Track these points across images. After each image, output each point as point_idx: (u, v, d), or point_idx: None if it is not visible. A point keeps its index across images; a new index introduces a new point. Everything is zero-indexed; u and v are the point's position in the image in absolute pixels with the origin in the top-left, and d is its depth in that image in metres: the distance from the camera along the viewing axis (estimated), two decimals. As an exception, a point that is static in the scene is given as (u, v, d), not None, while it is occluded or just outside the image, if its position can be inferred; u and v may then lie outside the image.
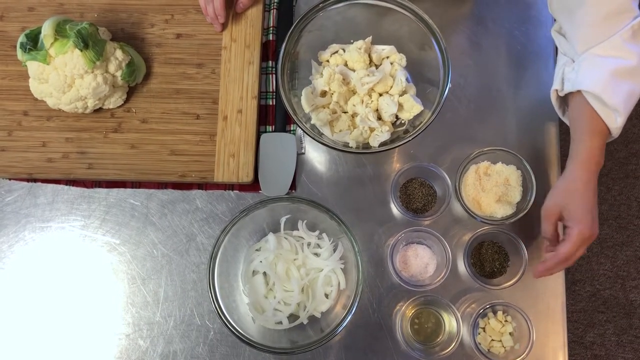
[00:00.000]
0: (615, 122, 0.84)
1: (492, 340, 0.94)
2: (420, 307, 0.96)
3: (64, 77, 0.95)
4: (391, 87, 0.99)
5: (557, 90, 0.92)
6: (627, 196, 1.92)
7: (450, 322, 0.94)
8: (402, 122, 1.00)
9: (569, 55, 0.91)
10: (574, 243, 0.84)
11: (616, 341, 1.82)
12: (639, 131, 1.97)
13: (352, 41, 1.02)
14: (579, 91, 0.86)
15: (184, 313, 0.98)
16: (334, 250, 0.95)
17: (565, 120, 0.95)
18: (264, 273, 0.96)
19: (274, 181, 1.01)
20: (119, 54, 0.98)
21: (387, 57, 1.02)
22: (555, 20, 0.94)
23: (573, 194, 0.85)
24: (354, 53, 0.99)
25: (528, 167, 0.96)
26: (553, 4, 0.91)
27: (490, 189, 0.97)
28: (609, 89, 0.83)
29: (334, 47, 1.02)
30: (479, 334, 0.95)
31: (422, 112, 0.97)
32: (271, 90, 1.06)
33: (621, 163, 1.94)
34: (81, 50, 0.93)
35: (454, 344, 0.90)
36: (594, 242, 1.85)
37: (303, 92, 0.99)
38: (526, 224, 0.99)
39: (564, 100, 0.94)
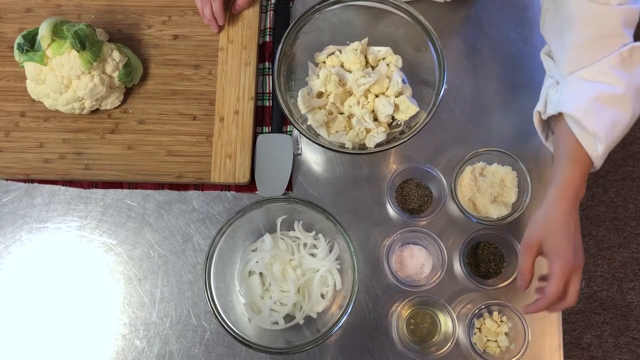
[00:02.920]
0: (596, 150, 0.81)
1: (488, 340, 0.95)
2: (416, 307, 0.96)
3: (61, 78, 0.95)
4: (387, 88, 1.00)
5: (540, 113, 0.90)
6: (623, 198, 1.93)
7: (446, 322, 0.94)
8: (398, 123, 1.00)
9: (555, 77, 0.89)
10: (559, 279, 0.80)
11: (613, 342, 1.83)
12: (635, 133, 1.97)
13: (348, 43, 1.02)
14: (562, 115, 0.84)
15: (181, 313, 0.98)
16: (330, 251, 0.96)
17: (548, 145, 0.94)
18: (260, 273, 0.96)
19: (270, 182, 1.01)
20: (116, 55, 0.98)
21: (383, 59, 1.02)
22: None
23: (553, 225, 0.82)
24: (350, 54, 1.00)
25: (523, 167, 0.96)
26: (545, 25, 0.90)
27: (486, 189, 0.98)
28: (590, 114, 0.80)
29: (330, 48, 1.03)
30: (475, 334, 0.95)
31: (418, 113, 0.98)
32: (268, 91, 1.06)
33: (618, 165, 1.95)
34: (78, 51, 0.93)
35: (449, 344, 0.90)
36: (591, 244, 1.87)
37: (299, 93, 0.99)
38: (522, 225, 0.99)
39: (548, 125, 0.92)
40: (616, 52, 0.81)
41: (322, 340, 0.88)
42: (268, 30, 1.08)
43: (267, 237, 0.97)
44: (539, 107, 0.89)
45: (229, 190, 1.03)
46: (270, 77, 1.07)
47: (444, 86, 0.92)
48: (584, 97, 0.81)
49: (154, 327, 0.98)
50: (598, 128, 0.79)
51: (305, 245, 0.98)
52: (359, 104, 0.99)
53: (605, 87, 0.80)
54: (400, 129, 1.00)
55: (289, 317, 0.95)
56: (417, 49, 0.99)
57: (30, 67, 0.96)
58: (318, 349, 0.96)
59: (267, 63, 1.07)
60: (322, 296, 0.96)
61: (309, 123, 0.99)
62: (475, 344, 0.94)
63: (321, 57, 1.03)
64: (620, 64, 0.81)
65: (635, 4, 0.80)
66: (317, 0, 0.96)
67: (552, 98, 0.86)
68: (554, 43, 0.88)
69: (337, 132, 0.99)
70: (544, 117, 0.89)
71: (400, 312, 0.95)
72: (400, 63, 1.01)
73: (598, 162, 0.82)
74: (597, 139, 0.80)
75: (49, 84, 0.96)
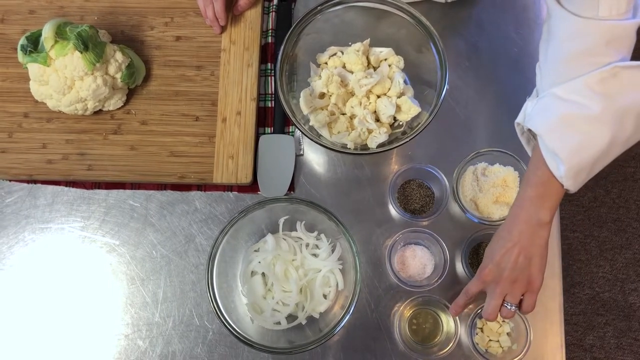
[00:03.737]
0: (558, 170, 0.76)
1: (490, 340, 0.95)
2: (418, 307, 0.96)
3: (64, 79, 0.96)
4: (389, 89, 1.00)
5: (521, 125, 0.86)
6: (625, 199, 1.92)
7: (448, 322, 0.94)
8: (400, 123, 1.01)
9: (539, 90, 0.84)
10: (474, 280, 0.85)
11: (615, 344, 1.83)
12: (637, 134, 1.97)
13: (350, 44, 1.02)
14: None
15: (183, 314, 0.98)
16: (332, 251, 0.96)
17: None
18: (263, 274, 0.97)
19: (272, 182, 1.01)
20: (118, 56, 0.98)
21: (385, 60, 1.02)
22: None
23: (492, 237, 0.84)
24: (352, 55, 1.00)
25: (525, 168, 0.96)
26: (542, 35, 0.85)
27: (488, 190, 0.98)
28: (555, 133, 0.76)
29: (332, 49, 1.03)
30: (477, 334, 0.95)
31: (419, 113, 0.98)
32: (270, 92, 1.07)
33: (620, 166, 1.95)
34: (81, 53, 0.93)
35: (451, 344, 0.91)
36: (593, 245, 1.87)
37: (301, 94, 0.99)
38: (523, 225, 0.99)
39: (535, 138, 0.87)
40: (596, 71, 0.74)
41: (324, 340, 0.88)
42: (270, 31, 1.08)
43: (270, 238, 0.97)
44: (518, 118, 0.85)
45: (231, 191, 1.03)
46: (273, 78, 1.07)
47: (446, 87, 0.92)
48: (551, 114, 0.77)
49: (156, 328, 0.98)
50: (560, 148, 0.75)
51: (307, 245, 0.98)
52: (360, 104, 0.99)
53: (576, 108, 0.75)
54: (402, 129, 1.00)
55: (291, 317, 0.95)
56: (418, 50, 0.99)
57: (33, 68, 0.96)
58: (320, 349, 0.96)
59: (269, 64, 1.08)
60: (325, 296, 0.96)
61: (311, 124, 0.99)
62: (478, 344, 0.94)
63: (323, 58, 1.03)
64: (599, 83, 0.74)
65: (627, 19, 0.74)
66: (318, 1, 0.96)
67: (528, 111, 0.83)
68: (541, 55, 0.83)
69: (339, 132, 0.99)
70: (525, 129, 0.85)
71: (403, 312, 0.95)
72: (402, 64, 1.02)
73: (568, 184, 0.77)
74: (557, 158, 0.76)
75: (52, 85, 0.96)
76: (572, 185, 0.77)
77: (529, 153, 0.88)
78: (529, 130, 0.84)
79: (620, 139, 0.75)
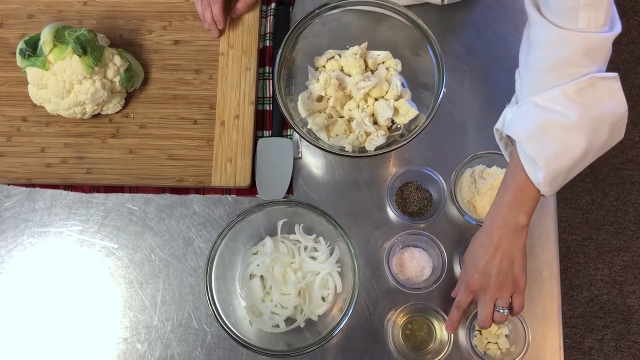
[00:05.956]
0: (536, 177, 0.78)
1: (489, 342, 0.95)
2: (412, 315, 0.96)
3: (63, 83, 0.96)
4: (387, 91, 1.00)
5: (500, 131, 0.86)
6: (623, 202, 1.93)
7: (441, 330, 0.94)
8: (398, 126, 1.01)
9: (518, 97, 0.86)
10: (462, 291, 0.87)
11: (614, 346, 1.83)
12: (634, 137, 1.98)
13: (347, 47, 1.03)
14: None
15: (182, 317, 0.98)
16: (331, 254, 0.96)
17: None
18: (261, 276, 0.97)
19: (271, 185, 1.01)
20: (117, 60, 0.99)
21: (383, 63, 1.03)
22: None
23: (471, 244, 0.86)
24: (350, 58, 1.00)
25: (522, 170, 0.97)
26: (522, 42, 0.87)
27: (486, 192, 0.98)
28: (534, 140, 0.78)
29: (330, 52, 1.04)
30: (475, 336, 0.95)
31: (417, 116, 0.98)
32: (268, 95, 1.07)
33: (617, 169, 1.95)
34: (80, 56, 0.94)
35: (445, 351, 0.90)
36: (591, 247, 1.87)
37: (299, 97, 1.00)
38: (521, 227, 0.99)
39: (513, 144, 0.87)
40: (573, 81, 0.76)
41: (323, 342, 0.88)
42: (268, 35, 1.09)
43: (268, 241, 0.97)
44: (497, 124, 0.87)
45: (229, 194, 1.03)
46: (271, 81, 1.07)
47: (443, 89, 0.93)
48: (530, 122, 0.79)
49: (155, 331, 0.98)
50: (538, 155, 0.77)
51: (305, 248, 0.98)
52: (358, 107, 1.00)
53: (555, 116, 0.77)
54: (400, 132, 1.01)
55: (289, 320, 0.95)
56: (416, 53, 0.99)
57: (32, 72, 0.96)
58: (319, 352, 0.96)
59: (267, 67, 1.08)
60: (323, 299, 0.96)
61: (309, 127, 0.99)
62: (476, 346, 0.94)
63: (321, 61, 1.04)
64: (577, 93, 0.76)
65: (605, 32, 0.76)
66: (316, 4, 0.97)
67: (507, 117, 0.84)
68: (521, 62, 0.85)
69: (337, 135, 0.99)
70: (504, 135, 0.86)
71: (396, 320, 0.95)
72: (399, 67, 1.02)
73: (544, 190, 0.79)
74: (537, 166, 0.78)
75: (51, 88, 0.96)
76: (548, 191, 0.79)
77: (507, 158, 0.89)
78: (508, 136, 0.85)
79: (595, 146, 0.78)
